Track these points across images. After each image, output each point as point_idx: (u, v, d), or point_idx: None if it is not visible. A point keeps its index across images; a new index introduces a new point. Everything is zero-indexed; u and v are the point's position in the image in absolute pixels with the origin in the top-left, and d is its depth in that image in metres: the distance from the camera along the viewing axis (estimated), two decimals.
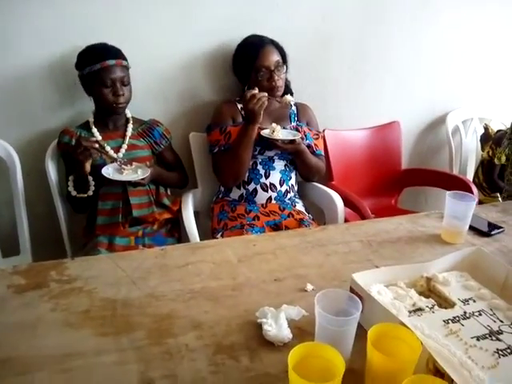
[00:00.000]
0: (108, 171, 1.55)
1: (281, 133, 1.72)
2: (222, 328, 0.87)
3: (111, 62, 1.57)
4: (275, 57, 1.75)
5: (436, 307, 0.87)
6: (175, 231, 1.76)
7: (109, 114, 1.66)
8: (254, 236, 1.25)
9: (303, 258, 1.13)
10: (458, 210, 1.19)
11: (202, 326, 0.88)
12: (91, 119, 1.69)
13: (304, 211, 1.83)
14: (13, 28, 1.63)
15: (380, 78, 2.20)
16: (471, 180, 2.23)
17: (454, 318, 0.84)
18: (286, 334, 0.83)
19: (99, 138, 1.66)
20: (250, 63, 1.74)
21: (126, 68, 1.64)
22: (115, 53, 1.61)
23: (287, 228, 1.67)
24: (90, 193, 1.60)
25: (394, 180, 2.26)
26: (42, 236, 1.82)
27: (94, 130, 1.67)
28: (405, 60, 2.20)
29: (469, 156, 2.39)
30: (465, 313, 0.85)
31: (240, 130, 1.69)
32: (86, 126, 1.69)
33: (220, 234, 1.70)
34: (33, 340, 0.84)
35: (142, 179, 1.58)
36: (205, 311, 0.92)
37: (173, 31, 1.81)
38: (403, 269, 0.96)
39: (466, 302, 0.89)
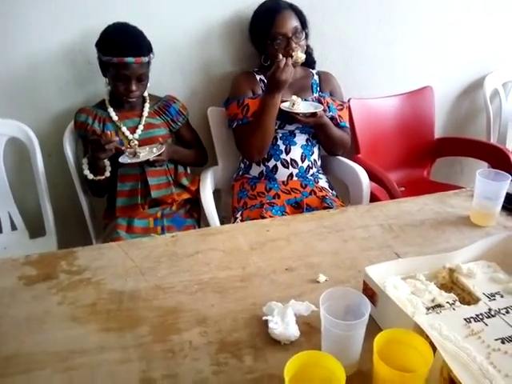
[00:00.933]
0: (125, 159, 1.53)
1: (302, 105, 1.63)
2: (228, 323, 0.84)
3: (130, 59, 1.48)
4: (293, 22, 1.64)
5: (457, 303, 0.80)
6: (194, 211, 1.73)
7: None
8: (268, 221, 1.20)
9: (318, 245, 1.07)
10: (490, 191, 1.09)
11: (207, 320, 0.85)
12: (107, 97, 1.66)
13: (327, 187, 1.76)
14: (25, 10, 1.59)
15: (409, 40, 2.03)
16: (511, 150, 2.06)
17: (477, 316, 0.77)
18: (293, 332, 0.79)
19: (115, 118, 1.62)
20: (266, 31, 1.64)
21: (148, 63, 1.56)
22: (137, 48, 1.50)
23: (308, 206, 1.61)
24: (107, 174, 1.58)
25: (426, 150, 2.13)
26: (67, 217, 1.85)
27: (110, 109, 1.63)
28: (435, 19, 2.02)
29: (509, 123, 2.20)
30: (489, 310, 0.78)
31: (263, 100, 1.61)
32: (102, 105, 1.66)
33: (240, 213, 1.66)
34: (39, 335, 0.83)
35: (159, 155, 1.54)
36: (211, 304, 0.89)
37: (186, 1, 1.72)
38: (423, 260, 0.89)
39: (491, 297, 0.82)
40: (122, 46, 1.48)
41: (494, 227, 1.11)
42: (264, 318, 0.82)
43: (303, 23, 1.69)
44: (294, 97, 1.62)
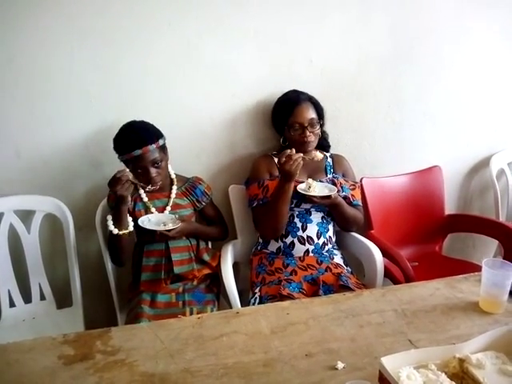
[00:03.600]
0: (143, 223, 1.65)
1: (317, 187, 1.74)
2: None
3: (137, 152, 1.61)
4: (310, 114, 1.80)
5: None
6: (214, 286, 1.81)
7: None
8: (288, 303, 1.28)
9: (336, 330, 1.14)
10: (496, 280, 1.17)
11: None
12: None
13: (342, 264, 1.84)
14: (62, 98, 1.79)
15: (418, 123, 2.19)
16: None
17: None
18: None
19: (145, 199, 1.75)
20: (285, 119, 1.82)
21: (157, 148, 1.65)
22: (141, 141, 1.61)
23: (324, 283, 1.68)
24: (131, 228, 1.65)
25: (436, 226, 2.21)
26: (93, 288, 1.94)
27: (141, 191, 1.76)
28: (443, 104, 2.19)
29: None
30: None
31: (277, 187, 1.73)
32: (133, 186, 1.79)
33: (258, 288, 1.74)
34: None
35: (168, 231, 1.63)
36: None
37: (213, 93, 1.91)
38: (434, 350, 0.95)
39: None
40: (127, 144, 1.63)
41: (502, 314, 1.17)
42: None
43: (320, 114, 1.86)
44: (310, 180, 1.74)
